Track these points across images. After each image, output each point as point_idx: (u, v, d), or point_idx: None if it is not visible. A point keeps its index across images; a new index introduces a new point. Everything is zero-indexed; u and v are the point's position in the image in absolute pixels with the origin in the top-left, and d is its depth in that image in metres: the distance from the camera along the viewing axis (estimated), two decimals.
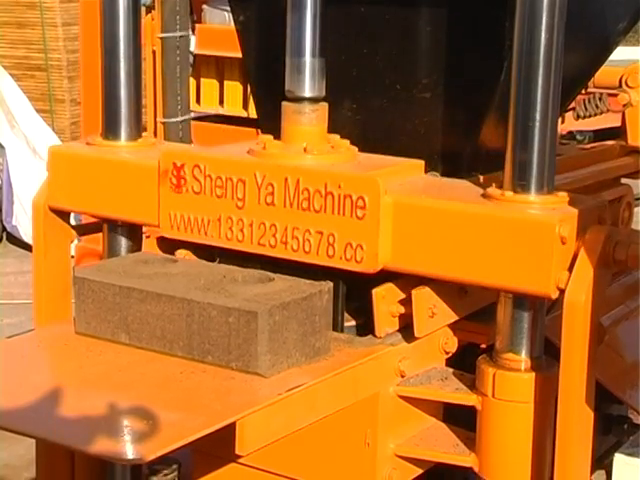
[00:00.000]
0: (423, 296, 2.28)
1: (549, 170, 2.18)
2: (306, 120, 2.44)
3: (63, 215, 2.72)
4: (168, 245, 2.56)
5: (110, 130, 2.67)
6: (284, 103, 2.47)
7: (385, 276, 2.28)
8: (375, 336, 2.32)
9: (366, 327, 2.35)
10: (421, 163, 2.43)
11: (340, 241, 2.26)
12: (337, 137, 2.47)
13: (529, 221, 2.11)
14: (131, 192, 2.55)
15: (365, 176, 2.27)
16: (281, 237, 2.33)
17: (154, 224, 2.53)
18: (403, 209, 2.22)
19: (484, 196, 2.22)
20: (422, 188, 2.32)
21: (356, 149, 2.46)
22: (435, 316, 2.32)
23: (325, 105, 2.47)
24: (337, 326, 2.36)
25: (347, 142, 2.46)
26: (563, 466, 2.11)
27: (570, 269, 2.09)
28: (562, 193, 2.19)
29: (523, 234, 2.10)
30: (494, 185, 2.23)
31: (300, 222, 2.30)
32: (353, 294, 2.37)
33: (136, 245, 2.68)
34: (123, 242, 2.67)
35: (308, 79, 2.44)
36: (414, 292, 2.27)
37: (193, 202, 2.43)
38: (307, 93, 2.44)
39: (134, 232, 2.68)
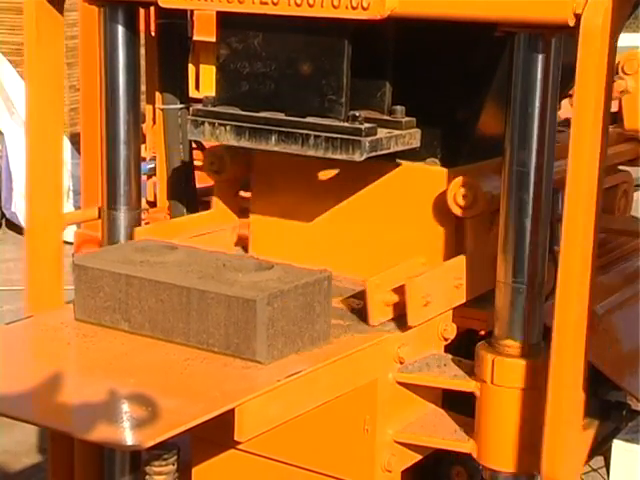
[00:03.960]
0: (416, 285, 2.26)
1: None
2: None
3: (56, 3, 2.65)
4: None
5: None
6: None
7: None
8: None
9: None
10: None
11: None
12: None
13: None
14: None
15: None
16: None
17: None
18: None
19: None
20: None
21: None
22: (429, 305, 2.30)
23: None
24: (342, 88, 2.30)
25: None
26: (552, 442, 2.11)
27: None
28: None
29: None
30: None
31: None
32: None
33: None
34: (122, 229, 2.67)
35: None
36: (407, 281, 2.25)
37: None
38: None
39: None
